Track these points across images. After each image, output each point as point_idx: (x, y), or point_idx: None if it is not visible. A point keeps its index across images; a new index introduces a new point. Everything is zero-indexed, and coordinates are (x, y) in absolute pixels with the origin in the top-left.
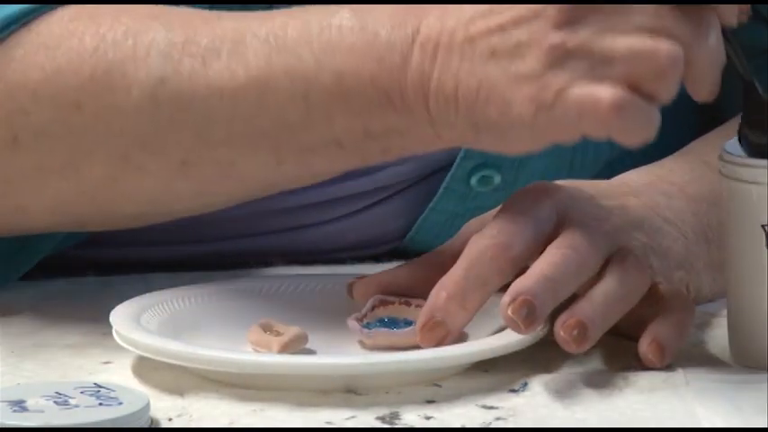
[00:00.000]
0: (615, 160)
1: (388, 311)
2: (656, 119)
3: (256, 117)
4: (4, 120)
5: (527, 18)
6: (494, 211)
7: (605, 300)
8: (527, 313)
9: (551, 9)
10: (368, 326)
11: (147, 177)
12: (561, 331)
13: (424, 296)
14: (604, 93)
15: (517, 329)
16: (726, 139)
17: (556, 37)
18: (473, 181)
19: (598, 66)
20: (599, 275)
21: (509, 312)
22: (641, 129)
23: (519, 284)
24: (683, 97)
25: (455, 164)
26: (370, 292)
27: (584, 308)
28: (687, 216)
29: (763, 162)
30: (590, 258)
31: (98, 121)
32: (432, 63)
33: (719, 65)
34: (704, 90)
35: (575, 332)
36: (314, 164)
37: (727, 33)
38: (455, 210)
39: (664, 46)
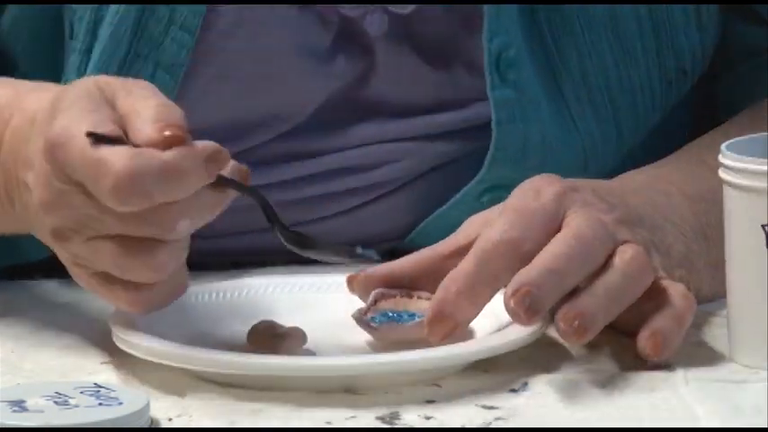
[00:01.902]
0: (618, 166)
1: (391, 305)
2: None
3: None
4: None
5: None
6: (496, 208)
7: (607, 292)
8: (529, 304)
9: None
10: (373, 320)
11: None
12: (561, 322)
13: (425, 288)
14: None
15: (519, 320)
16: (724, 139)
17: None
18: (484, 198)
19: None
20: (602, 268)
21: (511, 303)
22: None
23: (522, 275)
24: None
25: (469, 185)
26: (371, 286)
27: (585, 300)
28: (686, 215)
29: (763, 162)
30: (594, 251)
31: None
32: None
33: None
34: None
35: (575, 323)
36: None
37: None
38: (460, 217)
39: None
